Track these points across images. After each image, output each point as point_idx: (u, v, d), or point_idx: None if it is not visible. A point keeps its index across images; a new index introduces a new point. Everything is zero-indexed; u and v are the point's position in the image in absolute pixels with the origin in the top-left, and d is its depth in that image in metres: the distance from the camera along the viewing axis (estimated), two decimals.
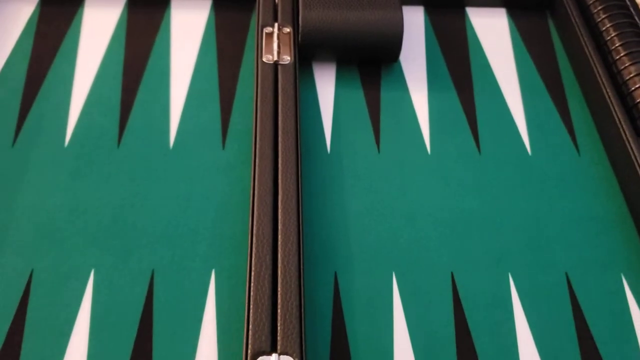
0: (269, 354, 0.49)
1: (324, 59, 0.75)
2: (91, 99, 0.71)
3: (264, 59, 0.70)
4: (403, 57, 0.77)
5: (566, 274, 0.60)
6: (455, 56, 0.78)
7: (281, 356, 0.49)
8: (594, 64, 0.72)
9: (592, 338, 0.56)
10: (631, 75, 0.69)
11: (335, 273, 0.58)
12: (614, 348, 0.55)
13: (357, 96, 0.73)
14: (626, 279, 0.59)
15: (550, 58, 0.79)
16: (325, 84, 0.74)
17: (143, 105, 0.70)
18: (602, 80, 0.70)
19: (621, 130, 0.66)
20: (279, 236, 0.56)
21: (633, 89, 0.68)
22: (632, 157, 0.64)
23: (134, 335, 0.54)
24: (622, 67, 0.70)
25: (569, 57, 0.78)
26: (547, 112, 0.73)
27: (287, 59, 0.70)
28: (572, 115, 0.73)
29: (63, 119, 0.68)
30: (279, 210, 0.58)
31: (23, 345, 0.53)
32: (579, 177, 0.67)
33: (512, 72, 0.76)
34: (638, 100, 0.67)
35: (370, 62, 0.75)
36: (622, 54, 0.71)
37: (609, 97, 0.68)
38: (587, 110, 0.73)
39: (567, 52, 0.79)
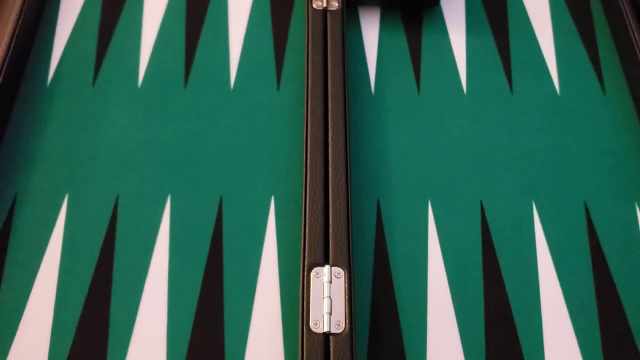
0: (322, 265, 0.58)
1: (369, 4, 0.81)
2: (159, 43, 0.78)
3: (314, 6, 0.75)
4: (444, 1, 0.81)
5: (585, 202, 0.66)
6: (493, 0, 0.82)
7: (332, 267, 0.57)
8: (625, 9, 0.76)
9: (604, 259, 0.62)
10: None
11: (378, 200, 0.66)
12: (625, 268, 0.62)
13: (400, 40, 0.78)
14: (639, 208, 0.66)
15: (584, 3, 0.82)
16: (370, 29, 0.79)
17: (205, 49, 0.77)
18: (630, 25, 0.74)
19: None
20: (330, 168, 0.64)
21: None
22: None
23: (207, 250, 0.62)
24: None
25: (602, 3, 0.82)
26: (577, 55, 0.77)
27: (335, 5, 0.75)
28: (601, 58, 0.77)
29: (135, 62, 0.76)
30: (329, 146, 0.65)
31: (115, 261, 0.62)
32: (603, 116, 0.72)
33: (547, 16, 0.81)
34: None
35: (412, 6, 0.80)
36: None
37: (636, 41, 0.73)
38: (615, 53, 0.78)
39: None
